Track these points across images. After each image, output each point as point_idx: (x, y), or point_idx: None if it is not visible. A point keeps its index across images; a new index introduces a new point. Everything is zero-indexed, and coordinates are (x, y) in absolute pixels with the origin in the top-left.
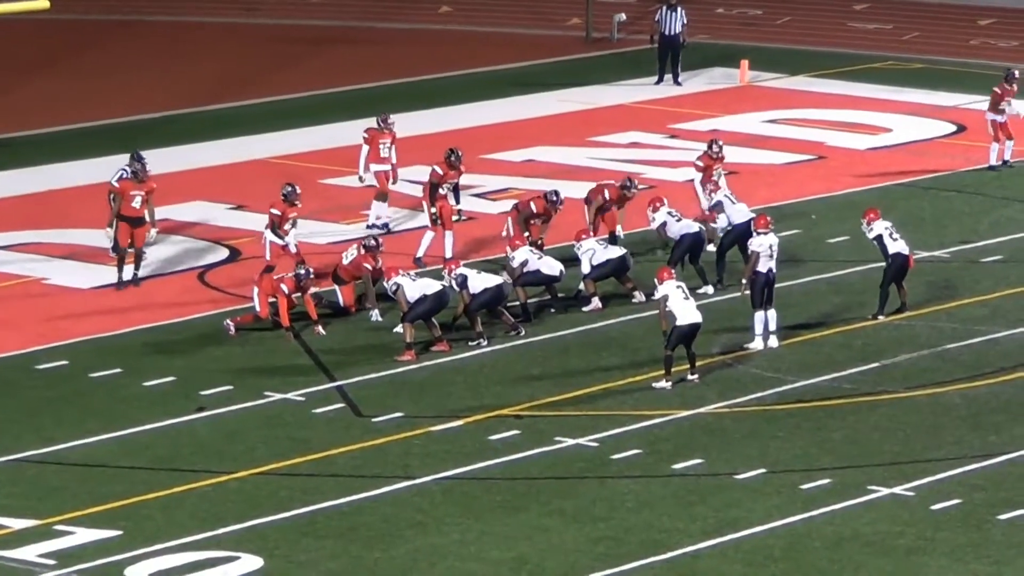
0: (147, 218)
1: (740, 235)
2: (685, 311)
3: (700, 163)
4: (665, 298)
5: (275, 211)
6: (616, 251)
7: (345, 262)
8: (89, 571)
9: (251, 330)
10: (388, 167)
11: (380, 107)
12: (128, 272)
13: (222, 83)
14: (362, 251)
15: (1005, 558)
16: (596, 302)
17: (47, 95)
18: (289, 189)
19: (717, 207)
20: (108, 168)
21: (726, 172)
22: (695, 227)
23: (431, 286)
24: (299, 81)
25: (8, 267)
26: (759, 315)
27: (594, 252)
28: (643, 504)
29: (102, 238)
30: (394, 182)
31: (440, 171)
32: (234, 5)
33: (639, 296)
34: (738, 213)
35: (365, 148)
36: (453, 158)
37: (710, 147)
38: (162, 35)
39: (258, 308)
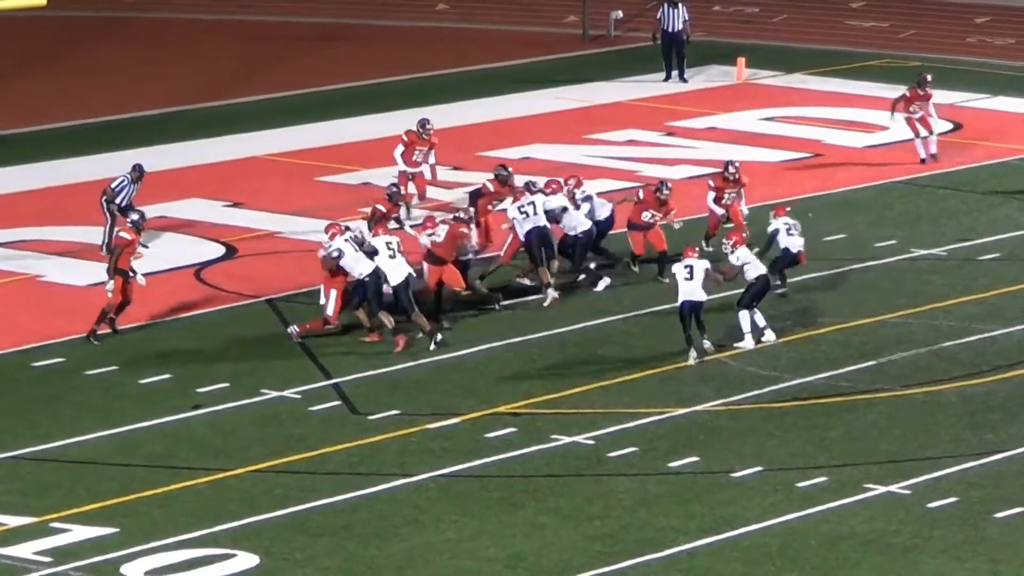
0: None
1: None
2: (684, 290)
3: (712, 183)
4: (673, 276)
5: (380, 207)
6: (540, 220)
7: (439, 239)
8: (85, 568)
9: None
10: (416, 171)
11: (375, 104)
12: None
13: (218, 80)
14: (452, 222)
15: (1001, 556)
16: (552, 292)
17: (42, 92)
18: (394, 190)
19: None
20: (104, 165)
21: (736, 193)
22: (605, 213)
23: (367, 265)
24: (295, 78)
25: (4, 264)
26: (745, 314)
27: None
28: (639, 502)
29: (98, 235)
30: (432, 178)
31: (491, 187)
32: (230, 2)
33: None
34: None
35: (401, 147)
36: (505, 174)
37: (726, 168)
38: (158, 32)
39: (331, 312)
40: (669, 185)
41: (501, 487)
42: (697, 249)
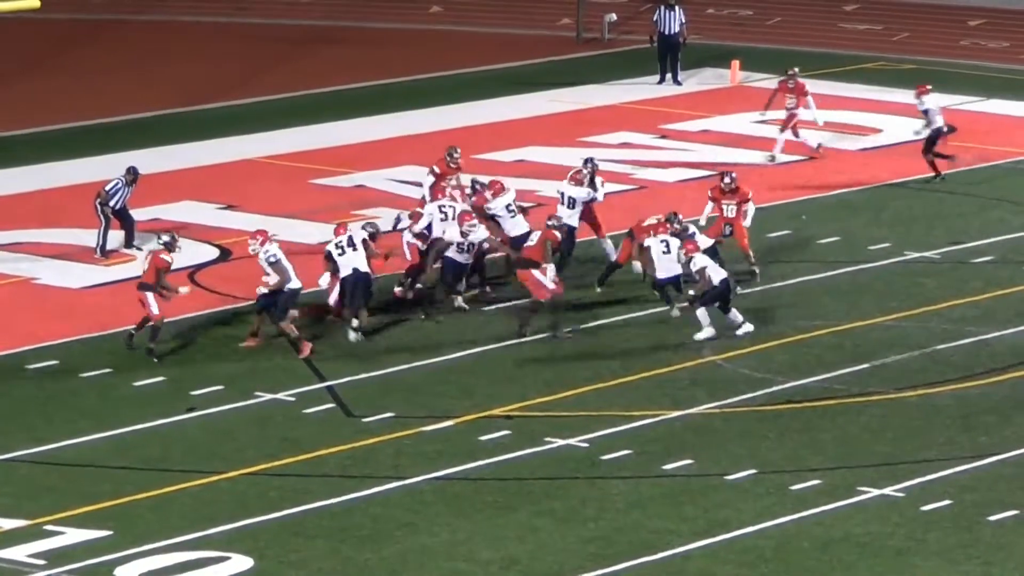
0: None
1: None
2: (661, 265)
3: (711, 193)
4: (648, 249)
5: (421, 211)
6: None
7: (532, 244)
8: (79, 571)
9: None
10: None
11: (369, 107)
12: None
13: (212, 82)
14: (544, 228)
15: (995, 559)
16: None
17: (36, 94)
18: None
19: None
20: (98, 168)
21: (736, 204)
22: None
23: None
24: (289, 81)
25: None
26: (703, 311)
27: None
28: (633, 505)
29: (92, 238)
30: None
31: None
32: (224, 4)
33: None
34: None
35: (431, 180)
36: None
37: (722, 179)
38: (153, 34)
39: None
40: (680, 218)
41: (495, 490)
42: (668, 225)
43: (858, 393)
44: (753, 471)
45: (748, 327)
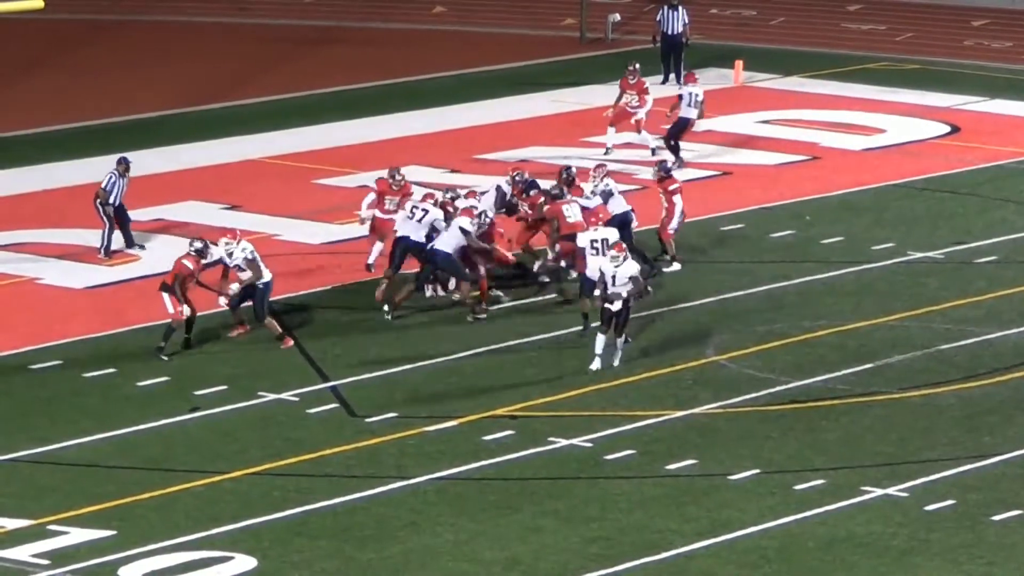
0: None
1: None
2: (592, 264)
3: None
4: (583, 249)
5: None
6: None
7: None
8: (83, 571)
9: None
10: (390, 218)
11: (372, 107)
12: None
13: (215, 83)
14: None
15: (998, 559)
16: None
17: (39, 94)
18: (569, 171)
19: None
20: (101, 168)
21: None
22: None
23: (266, 273)
24: (292, 81)
25: (1, 267)
26: (602, 338)
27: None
28: (636, 505)
29: (94, 238)
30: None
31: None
32: (227, 5)
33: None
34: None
35: (371, 196)
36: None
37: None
38: (155, 35)
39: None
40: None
41: (498, 490)
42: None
43: (861, 393)
44: (756, 471)
45: (597, 365)
